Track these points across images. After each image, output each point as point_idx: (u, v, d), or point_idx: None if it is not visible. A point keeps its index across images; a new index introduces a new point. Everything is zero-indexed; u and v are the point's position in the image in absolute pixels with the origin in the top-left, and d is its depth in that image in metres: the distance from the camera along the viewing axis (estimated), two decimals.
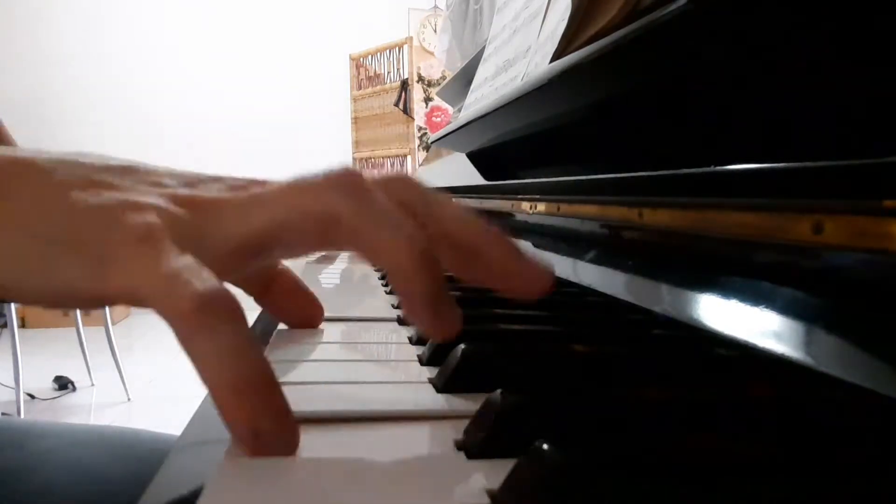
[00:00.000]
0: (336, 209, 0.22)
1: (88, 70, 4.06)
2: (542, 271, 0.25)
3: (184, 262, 0.20)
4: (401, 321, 0.40)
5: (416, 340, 0.34)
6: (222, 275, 0.21)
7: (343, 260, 0.77)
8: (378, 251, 0.22)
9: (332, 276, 0.64)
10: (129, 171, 0.23)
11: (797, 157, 0.24)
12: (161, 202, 0.22)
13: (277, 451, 0.19)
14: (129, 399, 2.45)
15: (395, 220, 0.22)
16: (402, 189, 0.25)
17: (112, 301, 0.21)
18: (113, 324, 2.62)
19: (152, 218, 0.21)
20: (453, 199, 0.26)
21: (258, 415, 0.18)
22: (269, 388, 0.19)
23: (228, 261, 0.22)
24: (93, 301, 0.22)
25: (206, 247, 0.22)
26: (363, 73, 3.99)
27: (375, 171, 0.22)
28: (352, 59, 4.01)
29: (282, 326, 0.37)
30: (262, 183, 0.25)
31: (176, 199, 0.22)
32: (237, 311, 0.19)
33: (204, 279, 0.19)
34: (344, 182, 0.23)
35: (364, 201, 0.22)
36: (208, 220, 0.22)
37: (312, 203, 0.22)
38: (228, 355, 0.19)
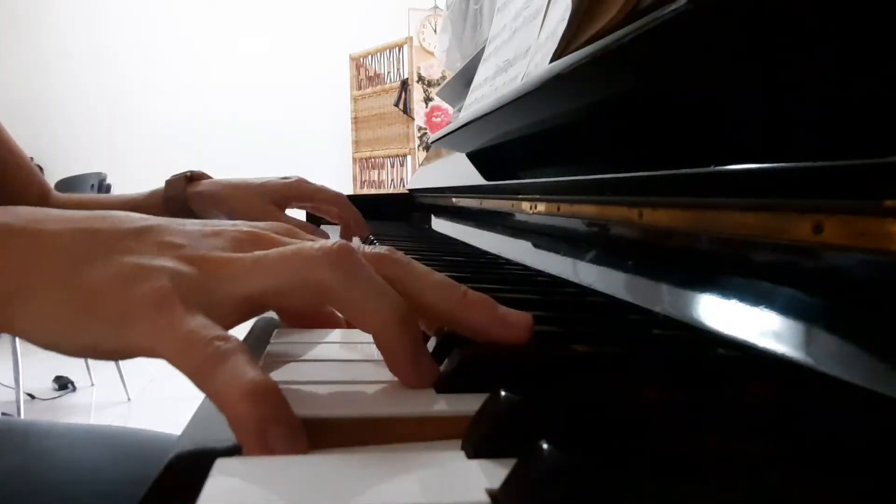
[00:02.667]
0: (328, 282, 0.25)
1: (88, 71, 4.06)
2: (519, 324, 0.28)
3: (195, 323, 0.22)
4: None
5: None
6: (228, 324, 0.24)
7: None
8: (364, 320, 0.25)
9: None
10: (142, 234, 0.27)
11: (797, 157, 0.24)
12: (171, 264, 0.25)
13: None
14: (129, 399, 2.45)
15: (379, 291, 0.25)
16: (389, 265, 0.28)
17: (133, 356, 0.24)
18: None
19: (164, 281, 0.24)
20: (433, 272, 0.29)
21: (270, 425, 0.20)
22: (280, 406, 0.21)
23: (233, 312, 0.25)
24: (116, 356, 0.24)
25: (212, 300, 0.25)
26: (363, 73, 3.99)
27: (367, 248, 0.28)
28: (352, 59, 4.01)
29: (280, 327, 0.36)
30: (264, 238, 0.29)
31: (186, 259, 0.25)
32: (252, 359, 0.22)
33: (216, 333, 0.22)
34: (336, 257, 0.25)
35: (353, 276, 0.25)
36: (215, 279, 0.25)
37: (307, 273, 0.25)
38: (244, 397, 0.20)
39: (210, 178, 0.73)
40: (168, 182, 0.71)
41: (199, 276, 0.25)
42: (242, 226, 0.29)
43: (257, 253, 0.26)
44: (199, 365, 0.21)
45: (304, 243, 0.27)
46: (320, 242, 0.26)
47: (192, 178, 0.71)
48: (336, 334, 0.35)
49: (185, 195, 0.69)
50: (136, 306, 0.23)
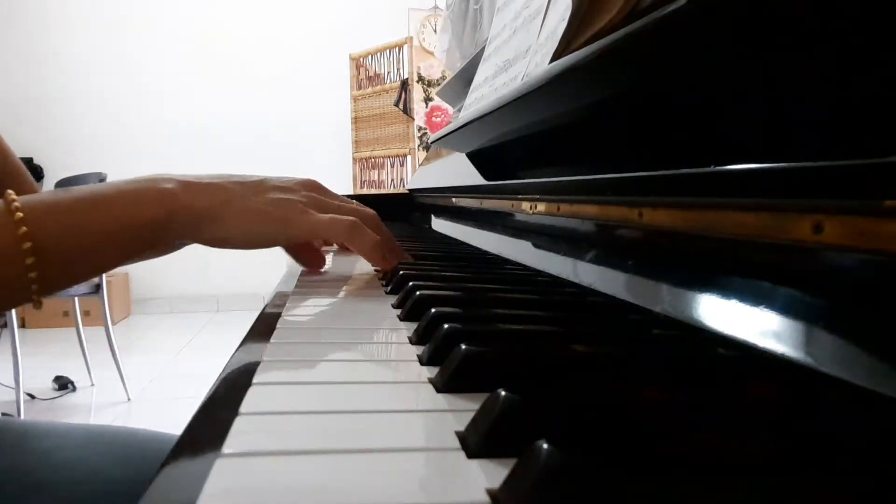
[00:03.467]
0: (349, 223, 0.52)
1: (88, 71, 4.06)
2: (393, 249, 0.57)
3: (326, 216, 0.49)
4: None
5: (417, 340, 0.34)
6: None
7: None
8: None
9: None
10: (264, 181, 0.50)
11: (797, 157, 0.24)
12: (294, 196, 0.49)
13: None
14: (129, 399, 2.44)
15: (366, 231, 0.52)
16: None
17: (296, 239, 0.53)
18: (113, 324, 2.62)
19: (301, 203, 0.49)
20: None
21: (391, 263, 0.53)
22: (395, 250, 0.56)
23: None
24: (281, 242, 0.51)
25: (324, 210, 0.50)
26: (363, 73, 3.98)
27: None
28: (352, 59, 4.00)
29: (281, 327, 0.37)
30: (304, 185, 0.53)
31: (307, 197, 0.51)
32: (364, 226, 0.50)
33: (342, 217, 0.50)
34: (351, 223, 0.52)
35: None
36: (321, 204, 0.51)
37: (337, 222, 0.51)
38: (372, 243, 0.51)
39: None
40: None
41: (315, 202, 0.50)
42: (303, 181, 0.53)
43: (325, 199, 0.53)
44: (350, 231, 0.49)
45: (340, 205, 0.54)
46: (342, 217, 0.51)
47: None
48: (337, 333, 0.35)
49: None
50: (296, 213, 0.48)
